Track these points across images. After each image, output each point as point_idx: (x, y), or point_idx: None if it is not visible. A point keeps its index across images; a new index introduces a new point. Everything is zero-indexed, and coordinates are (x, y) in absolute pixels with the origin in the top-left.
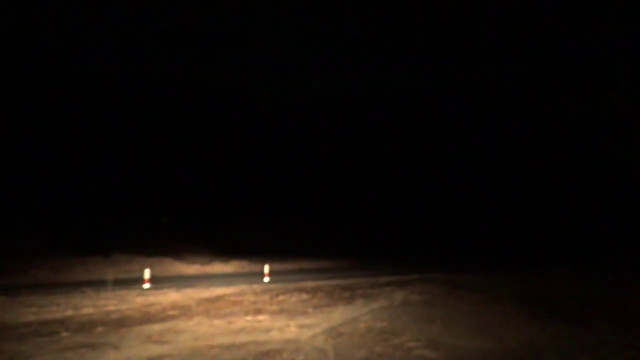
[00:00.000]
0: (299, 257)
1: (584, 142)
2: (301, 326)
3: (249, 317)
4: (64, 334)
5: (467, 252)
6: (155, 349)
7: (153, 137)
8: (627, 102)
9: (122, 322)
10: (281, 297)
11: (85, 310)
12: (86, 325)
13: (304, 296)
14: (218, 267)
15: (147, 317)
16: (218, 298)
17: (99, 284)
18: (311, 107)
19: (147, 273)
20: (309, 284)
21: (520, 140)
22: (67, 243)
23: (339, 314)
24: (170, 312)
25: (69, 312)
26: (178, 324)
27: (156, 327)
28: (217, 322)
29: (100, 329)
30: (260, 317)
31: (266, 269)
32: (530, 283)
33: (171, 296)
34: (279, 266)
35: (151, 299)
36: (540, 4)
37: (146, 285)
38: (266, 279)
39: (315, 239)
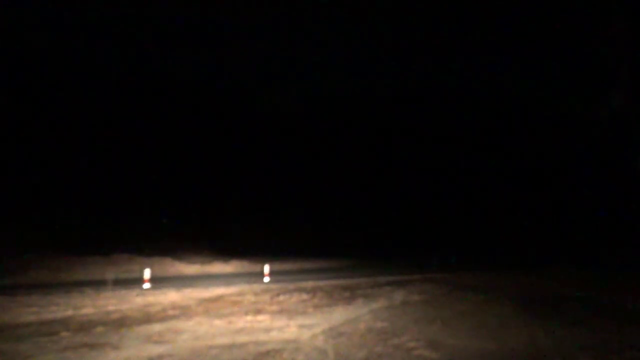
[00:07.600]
0: (299, 257)
1: (584, 142)
2: (301, 326)
3: (249, 317)
4: (64, 334)
5: (467, 252)
6: (155, 349)
7: (153, 136)
8: (627, 102)
9: (122, 322)
10: (281, 297)
11: (85, 310)
12: (86, 325)
13: (304, 296)
14: (218, 267)
15: (147, 317)
16: (218, 298)
17: (99, 284)
18: (311, 107)
19: (147, 273)
20: (309, 284)
21: (520, 141)
22: (67, 243)
23: (339, 314)
24: (170, 312)
25: (69, 312)
26: (178, 324)
27: (156, 327)
28: (217, 322)
29: (100, 329)
30: (260, 317)
31: (266, 269)
32: (531, 283)
33: (171, 296)
34: (279, 266)
35: (151, 299)
36: (540, 4)
37: (146, 285)
38: (266, 279)
39: (315, 239)
